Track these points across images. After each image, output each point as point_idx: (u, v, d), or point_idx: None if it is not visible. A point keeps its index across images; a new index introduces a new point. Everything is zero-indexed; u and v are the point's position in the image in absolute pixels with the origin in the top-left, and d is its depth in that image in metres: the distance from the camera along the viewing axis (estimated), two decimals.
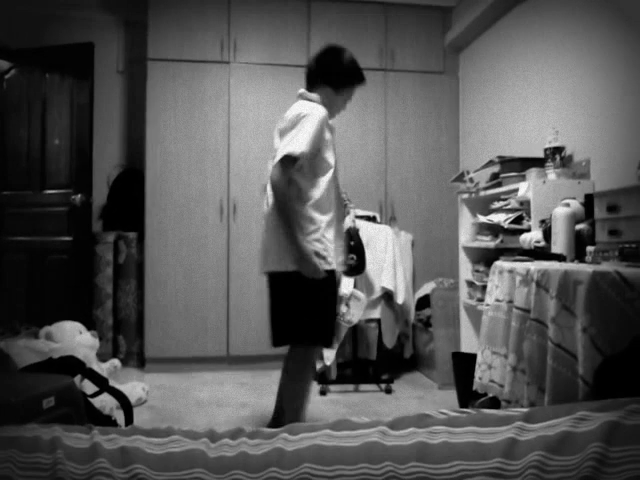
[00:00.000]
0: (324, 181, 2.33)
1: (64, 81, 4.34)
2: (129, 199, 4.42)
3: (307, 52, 4.23)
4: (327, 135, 2.34)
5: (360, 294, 3.56)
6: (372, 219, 3.98)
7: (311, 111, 2.28)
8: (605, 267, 1.81)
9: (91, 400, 2.24)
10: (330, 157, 2.35)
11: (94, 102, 4.34)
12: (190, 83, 4.14)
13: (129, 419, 2.26)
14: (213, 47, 4.17)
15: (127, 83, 4.77)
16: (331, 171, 2.36)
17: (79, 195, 4.23)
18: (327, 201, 2.35)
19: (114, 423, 2.33)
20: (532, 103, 3.47)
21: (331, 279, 2.35)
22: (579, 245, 2.30)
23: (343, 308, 3.53)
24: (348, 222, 3.64)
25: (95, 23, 4.66)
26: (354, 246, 3.52)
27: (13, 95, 4.38)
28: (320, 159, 2.32)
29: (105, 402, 2.63)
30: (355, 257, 3.51)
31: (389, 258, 3.71)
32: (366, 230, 3.68)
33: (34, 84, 4.36)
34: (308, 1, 4.27)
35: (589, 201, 2.36)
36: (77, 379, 2.26)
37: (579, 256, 2.26)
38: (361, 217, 3.85)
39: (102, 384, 2.30)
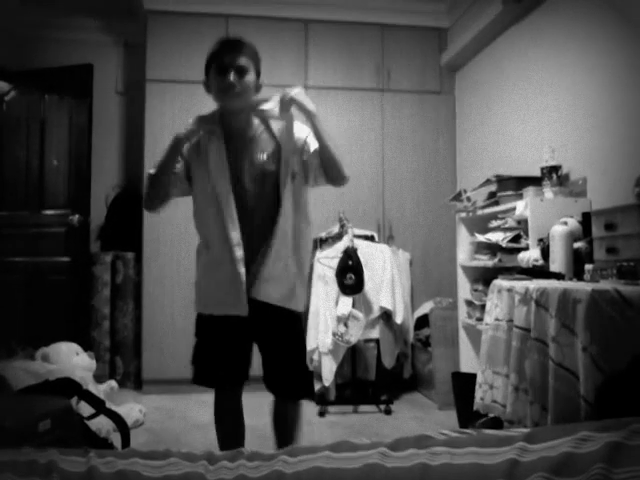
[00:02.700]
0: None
1: (63, 102, 4.37)
2: (127, 219, 4.41)
3: (305, 73, 4.27)
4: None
5: (359, 314, 3.55)
6: (370, 238, 3.98)
7: None
8: (604, 285, 1.81)
9: (87, 422, 2.22)
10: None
11: (93, 123, 4.37)
12: (188, 104, 4.15)
13: (126, 442, 2.23)
14: None
15: (126, 104, 4.81)
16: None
17: (77, 215, 4.23)
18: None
19: (110, 446, 2.30)
20: (528, 122, 3.50)
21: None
22: (577, 263, 2.30)
23: (342, 328, 3.51)
24: (346, 241, 3.65)
25: (94, 45, 4.70)
26: (352, 265, 3.52)
27: (12, 116, 4.40)
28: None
29: (102, 424, 2.60)
30: (353, 276, 3.51)
31: (387, 277, 3.70)
32: (364, 249, 3.68)
33: (33, 105, 4.39)
34: (305, 22, 4.32)
35: (586, 219, 2.37)
36: (73, 401, 2.24)
37: (577, 274, 2.26)
38: (359, 236, 3.85)
39: (99, 406, 2.28)
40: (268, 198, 1.95)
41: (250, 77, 1.94)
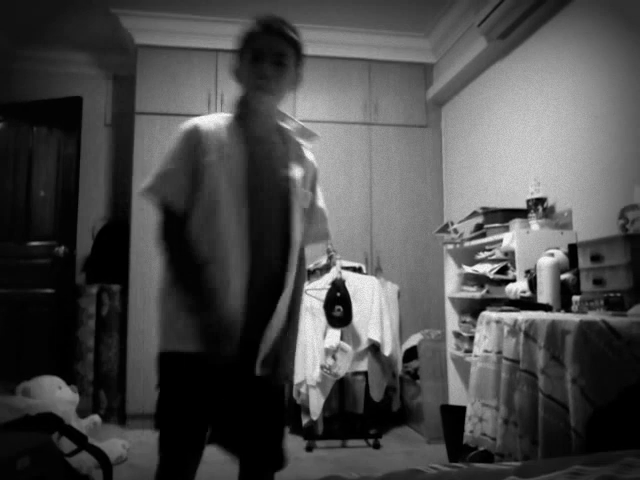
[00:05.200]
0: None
1: (52, 134, 4.37)
2: (113, 251, 4.38)
3: (293, 107, 4.31)
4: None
5: (347, 346, 3.52)
6: (358, 270, 3.98)
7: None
8: (592, 316, 1.81)
9: (68, 459, 2.16)
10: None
11: (81, 154, 4.37)
12: None
13: (108, 479, 2.17)
14: (200, 101, 4.25)
15: (114, 136, 4.82)
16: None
17: (62, 247, 4.19)
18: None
19: None
20: (513, 155, 3.55)
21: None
22: (565, 295, 2.30)
23: (330, 361, 3.48)
24: (334, 273, 3.64)
25: (84, 78, 4.74)
26: (340, 297, 3.50)
27: (0, 147, 4.39)
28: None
29: (83, 461, 2.52)
30: (341, 308, 3.49)
31: (375, 309, 3.69)
32: (352, 281, 3.67)
33: (21, 136, 4.39)
34: None
35: (573, 251, 2.38)
36: (54, 437, 2.18)
37: (565, 306, 2.26)
38: (347, 268, 3.84)
39: (81, 442, 2.22)
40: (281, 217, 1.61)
41: (289, 68, 1.67)
